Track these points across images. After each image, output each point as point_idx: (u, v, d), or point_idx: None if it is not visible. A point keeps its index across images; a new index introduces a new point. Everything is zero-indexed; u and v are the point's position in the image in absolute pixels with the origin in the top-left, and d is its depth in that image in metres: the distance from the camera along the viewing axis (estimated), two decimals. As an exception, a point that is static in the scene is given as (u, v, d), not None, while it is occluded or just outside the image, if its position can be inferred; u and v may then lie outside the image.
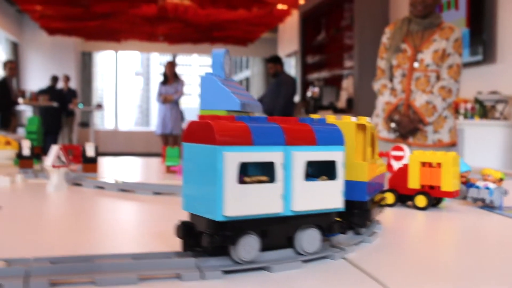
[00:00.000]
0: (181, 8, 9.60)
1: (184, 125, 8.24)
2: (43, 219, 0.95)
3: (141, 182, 1.28)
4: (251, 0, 8.61)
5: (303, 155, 0.62)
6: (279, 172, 0.60)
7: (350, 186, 0.74)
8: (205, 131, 0.58)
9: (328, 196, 0.65)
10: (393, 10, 6.35)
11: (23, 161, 1.57)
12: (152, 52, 14.76)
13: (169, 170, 1.64)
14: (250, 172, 0.61)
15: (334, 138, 0.66)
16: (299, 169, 0.62)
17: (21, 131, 7.44)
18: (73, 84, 11.72)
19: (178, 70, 8.32)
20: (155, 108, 9.83)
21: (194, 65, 19.44)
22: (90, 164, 1.47)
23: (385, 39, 2.77)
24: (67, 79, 10.31)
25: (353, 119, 0.78)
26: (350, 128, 0.76)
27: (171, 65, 8.04)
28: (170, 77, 8.01)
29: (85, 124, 11.79)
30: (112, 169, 1.84)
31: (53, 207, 1.08)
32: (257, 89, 13.67)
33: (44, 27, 10.90)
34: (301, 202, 0.62)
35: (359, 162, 0.76)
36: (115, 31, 11.53)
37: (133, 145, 12.25)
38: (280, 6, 8.95)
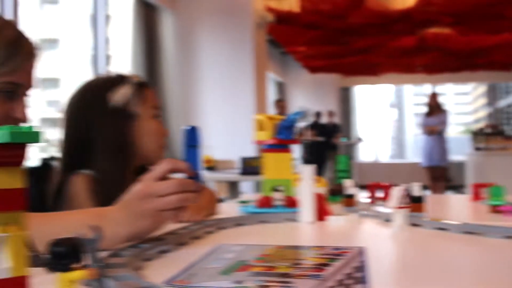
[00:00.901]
0: (441, 37, 9.37)
1: (450, 157, 7.92)
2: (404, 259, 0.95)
3: (489, 224, 1.23)
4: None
5: None
6: None
7: None
8: None
9: None
10: None
11: (346, 200, 1.64)
12: (407, 83, 14.64)
13: (495, 210, 1.57)
14: None
15: None
16: None
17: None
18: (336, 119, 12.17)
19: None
20: (410, 139, 9.63)
21: (448, 94, 18.80)
22: (417, 203, 1.47)
23: None
24: (331, 114, 10.74)
25: None
26: None
27: (435, 96, 7.86)
28: (434, 108, 7.82)
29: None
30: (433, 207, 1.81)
31: (404, 248, 1.09)
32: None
33: (306, 66, 11.57)
34: None
35: None
36: (373, 65, 11.73)
37: (393, 177, 12.16)
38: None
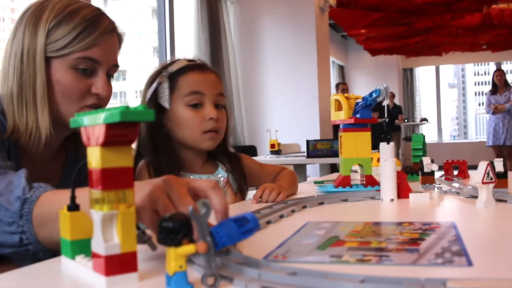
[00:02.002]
0: (507, 13, 9.02)
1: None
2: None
3: None
4: None
5: None
6: None
7: None
8: None
9: None
10: None
11: (424, 178, 1.61)
12: (471, 63, 14.18)
13: None
14: None
15: None
16: None
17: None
18: (396, 101, 11.95)
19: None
20: (472, 119, 9.34)
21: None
22: (502, 179, 1.43)
23: None
24: (392, 96, 10.56)
25: None
26: None
27: (501, 73, 7.59)
28: (500, 86, 7.55)
29: (409, 138, 11.87)
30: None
31: (493, 223, 1.07)
32: None
33: (368, 48, 11.38)
34: None
35: None
36: (436, 45, 11.41)
37: (457, 157, 11.84)
38: None
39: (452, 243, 0.80)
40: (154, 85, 1.47)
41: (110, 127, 0.58)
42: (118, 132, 0.59)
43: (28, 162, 1.11)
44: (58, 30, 1.10)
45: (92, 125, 0.62)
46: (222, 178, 1.52)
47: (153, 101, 1.47)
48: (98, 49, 1.14)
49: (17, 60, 1.10)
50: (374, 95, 1.44)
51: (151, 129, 1.46)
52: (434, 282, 0.55)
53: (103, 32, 1.14)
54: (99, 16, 1.15)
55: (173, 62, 1.50)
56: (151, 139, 1.46)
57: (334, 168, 5.30)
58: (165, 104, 1.44)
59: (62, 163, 1.26)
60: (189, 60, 1.51)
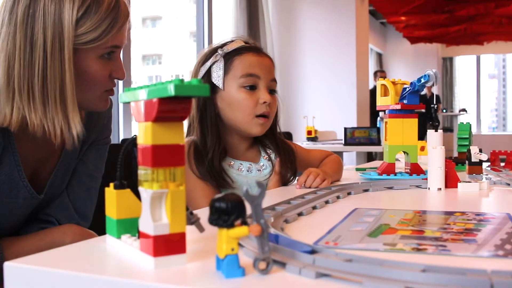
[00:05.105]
0: (553, 0, 8.74)
1: None
2: None
3: None
4: None
5: None
6: None
7: None
8: None
9: None
10: None
11: (471, 167, 1.56)
12: (514, 52, 13.84)
13: None
14: None
15: None
16: None
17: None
18: (435, 90, 11.73)
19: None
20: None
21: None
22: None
23: None
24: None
25: None
26: None
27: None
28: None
29: (448, 129, 11.66)
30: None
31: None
32: None
33: (407, 36, 11.19)
34: None
35: None
36: (477, 34, 11.15)
37: (496, 149, 11.61)
38: None
39: (510, 235, 0.76)
40: (208, 63, 1.44)
41: (163, 102, 0.56)
42: (170, 108, 0.57)
43: (22, 144, 1.09)
44: (88, 21, 1.04)
45: (142, 100, 0.60)
46: (264, 167, 1.48)
47: (205, 79, 1.44)
48: (121, 35, 1.11)
49: (38, 49, 1.01)
50: (422, 80, 1.39)
51: (201, 108, 1.43)
52: (502, 274, 0.52)
53: (125, 19, 1.11)
54: (118, 2, 1.10)
55: (229, 42, 1.47)
56: (200, 118, 1.42)
57: (370, 156, 5.24)
58: (219, 83, 1.41)
59: (61, 147, 1.20)
60: (244, 42, 1.48)
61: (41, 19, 1.01)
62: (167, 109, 0.57)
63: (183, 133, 0.60)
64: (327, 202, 1.08)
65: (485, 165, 1.81)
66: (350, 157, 5.52)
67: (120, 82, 3.46)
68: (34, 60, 1.01)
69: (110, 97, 1.18)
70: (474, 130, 13.05)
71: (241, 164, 1.44)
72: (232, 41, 1.47)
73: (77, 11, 1.02)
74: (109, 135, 1.33)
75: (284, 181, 1.45)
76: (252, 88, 1.41)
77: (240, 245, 0.65)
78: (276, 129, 1.53)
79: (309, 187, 1.31)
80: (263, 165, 1.48)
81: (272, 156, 1.50)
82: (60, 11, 1.01)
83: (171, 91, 0.54)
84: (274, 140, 1.51)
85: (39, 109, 1.02)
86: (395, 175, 1.44)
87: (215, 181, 1.36)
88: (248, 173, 1.44)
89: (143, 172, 0.61)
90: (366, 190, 1.28)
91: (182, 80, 0.53)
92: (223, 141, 1.43)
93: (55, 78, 1.02)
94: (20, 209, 1.13)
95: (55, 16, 1.01)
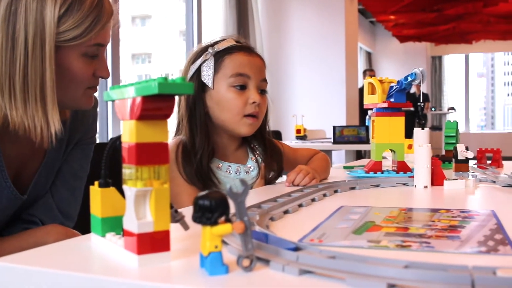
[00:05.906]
0: (542, 0, 8.80)
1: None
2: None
3: None
4: None
5: None
6: None
7: None
8: None
9: None
10: None
11: (458, 165, 1.57)
12: (501, 51, 13.92)
13: None
14: None
15: None
16: None
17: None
18: (423, 88, 11.80)
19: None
20: (500, 110, 9.16)
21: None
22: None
23: None
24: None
25: None
26: None
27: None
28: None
29: (437, 127, 11.72)
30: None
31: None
32: None
33: (396, 35, 11.22)
34: None
35: None
36: (466, 33, 11.21)
37: (484, 147, 11.67)
38: None
39: (494, 231, 0.77)
40: (198, 62, 1.43)
41: (146, 100, 0.56)
42: (154, 106, 0.57)
43: (5, 143, 1.08)
44: (70, 18, 1.03)
45: (127, 98, 0.60)
46: (251, 169, 1.48)
47: (195, 78, 1.43)
48: (104, 33, 1.10)
49: (19, 46, 1.00)
50: (409, 78, 1.40)
51: (191, 107, 1.42)
52: (482, 270, 0.53)
53: (109, 17, 1.10)
54: (101, 0, 1.10)
55: (220, 41, 1.46)
56: (189, 117, 1.41)
57: (359, 155, 5.25)
58: (209, 82, 1.41)
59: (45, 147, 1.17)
60: (235, 41, 1.47)
61: (22, 16, 1.00)
62: (151, 107, 0.57)
63: (167, 131, 0.60)
64: (313, 200, 1.08)
65: (472, 163, 1.82)
66: (339, 155, 5.53)
67: (109, 81, 3.45)
68: (15, 58, 1.00)
69: (97, 96, 1.18)
70: (462, 128, 13.13)
71: (229, 166, 1.44)
72: (223, 40, 1.46)
73: (59, 8, 1.01)
74: (95, 135, 1.32)
75: (268, 183, 1.46)
76: (242, 87, 1.41)
77: (224, 242, 0.65)
78: (265, 130, 1.52)
79: (297, 185, 1.31)
80: (250, 166, 1.48)
81: (260, 158, 1.50)
82: (42, 8, 1.00)
83: (155, 89, 0.54)
84: (263, 141, 1.51)
85: (20, 106, 1.01)
86: (382, 173, 1.45)
87: (202, 183, 1.35)
88: (237, 175, 1.44)
89: (127, 170, 0.61)
90: (353, 188, 1.29)
91: (166, 78, 0.53)
92: (212, 140, 1.42)
93: (36, 75, 1.01)
94: (3, 210, 1.12)
95: (37, 13, 1.00)
